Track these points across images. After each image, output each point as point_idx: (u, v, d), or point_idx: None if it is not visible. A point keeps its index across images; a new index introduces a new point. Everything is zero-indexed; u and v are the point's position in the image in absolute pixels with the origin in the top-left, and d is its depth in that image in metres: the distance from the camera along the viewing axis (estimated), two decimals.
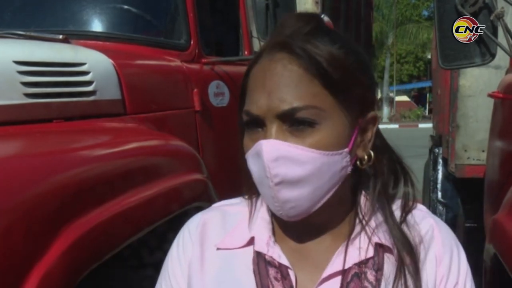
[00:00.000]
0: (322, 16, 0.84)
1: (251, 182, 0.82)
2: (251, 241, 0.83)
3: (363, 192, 0.84)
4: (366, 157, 0.81)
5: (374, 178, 0.83)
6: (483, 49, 1.68)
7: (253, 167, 0.78)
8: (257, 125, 0.77)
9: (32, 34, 1.78)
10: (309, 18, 0.80)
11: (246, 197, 0.89)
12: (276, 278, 0.79)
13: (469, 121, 3.84)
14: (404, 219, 0.83)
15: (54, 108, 1.52)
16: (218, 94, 2.34)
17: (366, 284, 0.77)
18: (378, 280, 0.77)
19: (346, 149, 0.77)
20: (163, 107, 1.98)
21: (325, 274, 0.78)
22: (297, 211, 0.77)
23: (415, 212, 0.85)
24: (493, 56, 1.68)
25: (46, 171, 1.17)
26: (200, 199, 1.76)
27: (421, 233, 0.82)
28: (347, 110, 0.77)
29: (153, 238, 1.72)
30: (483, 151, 3.61)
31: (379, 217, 0.82)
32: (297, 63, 0.74)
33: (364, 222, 0.81)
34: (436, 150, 5.34)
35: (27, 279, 0.98)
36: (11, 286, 0.96)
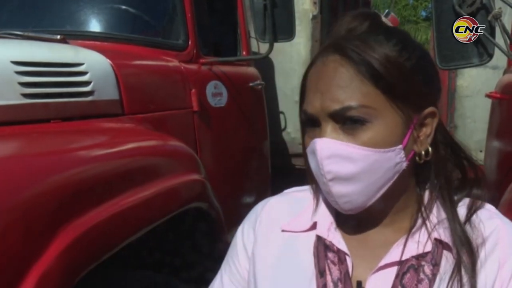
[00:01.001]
0: (386, 12, 0.85)
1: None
2: (314, 226, 0.87)
3: (428, 187, 0.85)
4: (423, 152, 0.82)
5: (436, 173, 0.84)
6: (481, 50, 1.68)
7: (311, 163, 0.82)
8: (314, 123, 0.81)
9: (30, 34, 1.78)
10: (364, 17, 0.83)
11: (314, 185, 0.91)
12: (333, 262, 0.82)
13: (467, 121, 3.85)
14: (469, 218, 0.82)
15: (52, 108, 1.52)
16: (216, 95, 2.34)
17: (422, 276, 0.78)
18: (434, 275, 0.78)
19: (400, 146, 0.79)
20: (161, 107, 1.98)
21: (383, 262, 0.80)
22: (351, 206, 0.80)
23: (482, 212, 0.84)
24: (490, 56, 1.68)
25: (44, 171, 1.17)
26: (198, 199, 1.76)
27: (484, 233, 0.81)
28: (400, 108, 0.78)
29: (152, 238, 1.73)
30: (480, 151, 3.61)
31: (442, 213, 0.82)
32: (349, 64, 0.77)
33: (425, 217, 0.82)
34: None
35: (25, 279, 0.98)
36: (9, 286, 0.96)
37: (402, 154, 0.79)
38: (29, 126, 1.42)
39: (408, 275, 0.78)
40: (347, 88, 0.76)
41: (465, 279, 0.77)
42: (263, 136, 2.97)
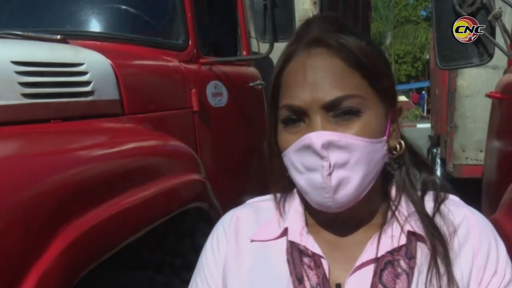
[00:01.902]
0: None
1: (283, 179, 0.86)
2: (284, 232, 0.86)
3: (394, 184, 0.87)
4: (398, 146, 0.85)
5: (400, 168, 0.87)
6: (481, 50, 1.68)
7: (299, 160, 0.79)
8: (298, 119, 0.79)
9: (30, 34, 1.78)
10: (334, 19, 0.84)
11: (278, 194, 0.91)
12: (309, 267, 0.80)
13: (467, 121, 3.85)
14: (437, 209, 0.84)
15: (52, 108, 1.52)
16: (216, 94, 2.34)
17: (400, 271, 0.78)
18: (411, 268, 0.78)
19: (385, 137, 0.81)
20: (161, 107, 1.98)
21: (359, 262, 0.79)
22: (346, 200, 0.78)
23: (449, 202, 0.86)
24: (491, 56, 1.68)
25: (44, 171, 1.17)
26: (198, 200, 1.76)
27: (454, 222, 0.83)
28: (382, 100, 0.81)
29: (152, 238, 1.73)
30: (481, 151, 3.62)
31: (411, 207, 0.84)
32: (337, 56, 0.78)
33: (396, 211, 0.83)
34: (434, 150, 5.36)
35: (25, 279, 0.98)
36: (9, 286, 0.96)
37: (386, 146, 0.82)
38: (29, 126, 1.42)
39: (385, 271, 0.78)
40: (340, 79, 0.77)
41: (442, 269, 0.77)
42: (263, 136, 2.97)
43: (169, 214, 1.55)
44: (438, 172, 4.92)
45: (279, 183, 0.89)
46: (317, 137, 0.76)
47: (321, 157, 0.75)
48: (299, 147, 0.78)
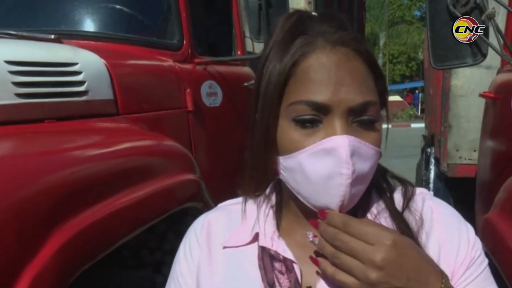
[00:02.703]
0: None
1: (259, 182, 0.85)
2: (255, 237, 0.84)
3: None
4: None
5: None
6: (475, 49, 1.69)
7: (312, 164, 0.74)
8: (316, 119, 0.74)
9: (24, 34, 1.78)
10: (332, 16, 0.81)
11: (249, 197, 0.90)
12: (281, 272, 0.79)
13: (461, 121, 3.87)
14: (406, 205, 0.83)
15: (46, 108, 1.52)
16: (211, 94, 2.34)
17: None
18: None
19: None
20: (155, 107, 1.98)
21: None
22: (351, 205, 0.76)
23: (417, 197, 0.85)
24: (484, 56, 1.69)
25: (38, 171, 1.17)
26: (192, 199, 1.76)
27: (422, 216, 0.82)
28: (381, 104, 0.79)
29: (152, 238, 1.72)
30: (474, 150, 3.63)
31: (381, 204, 0.83)
32: (360, 59, 0.75)
33: (365, 208, 0.82)
34: (429, 150, 5.37)
35: (19, 279, 0.98)
36: (2, 286, 0.96)
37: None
38: (23, 126, 1.42)
39: None
40: (365, 82, 0.74)
41: None
42: None
43: (164, 214, 1.55)
44: (432, 172, 4.93)
45: (255, 185, 0.87)
46: (344, 142, 0.71)
47: (348, 164, 0.71)
48: (318, 150, 0.73)
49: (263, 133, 0.79)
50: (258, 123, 0.80)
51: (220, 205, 0.95)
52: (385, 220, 0.81)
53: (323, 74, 0.73)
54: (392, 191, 0.86)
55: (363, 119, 0.74)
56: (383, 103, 0.80)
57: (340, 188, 0.72)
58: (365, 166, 0.74)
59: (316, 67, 0.74)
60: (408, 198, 0.84)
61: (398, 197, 0.85)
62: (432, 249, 0.79)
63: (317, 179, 0.74)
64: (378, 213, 0.82)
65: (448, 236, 0.80)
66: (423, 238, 0.80)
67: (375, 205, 0.83)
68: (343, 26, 0.78)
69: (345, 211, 0.76)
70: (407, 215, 0.82)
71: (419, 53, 29.35)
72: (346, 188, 0.72)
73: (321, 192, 0.75)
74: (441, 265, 0.77)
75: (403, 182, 0.87)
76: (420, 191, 0.87)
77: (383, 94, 0.79)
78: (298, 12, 0.83)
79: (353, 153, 0.72)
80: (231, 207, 0.92)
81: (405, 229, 0.79)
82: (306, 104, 0.73)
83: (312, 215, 0.78)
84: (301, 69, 0.75)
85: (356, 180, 0.73)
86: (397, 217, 0.81)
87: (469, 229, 0.83)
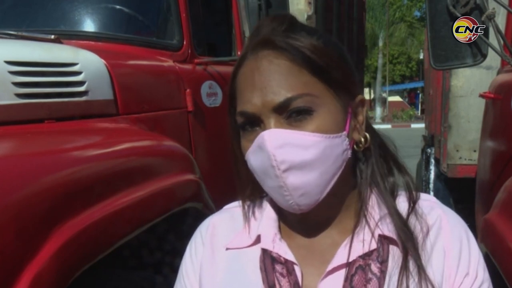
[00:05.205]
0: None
1: (252, 185, 0.85)
2: (258, 240, 0.85)
3: (367, 185, 0.85)
4: (362, 139, 0.83)
5: (366, 162, 0.85)
6: (475, 50, 1.68)
7: (256, 162, 0.78)
8: (254, 124, 0.78)
9: (24, 34, 1.78)
10: (283, 17, 0.82)
11: (248, 201, 0.91)
12: (282, 274, 0.80)
13: (461, 121, 3.86)
14: (411, 210, 0.83)
15: (46, 108, 1.52)
16: (211, 95, 2.34)
17: (370, 276, 0.77)
18: (382, 272, 0.78)
19: (345, 132, 0.79)
20: (155, 108, 1.98)
21: (330, 267, 0.79)
22: (307, 199, 0.77)
23: (423, 203, 0.85)
24: (484, 56, 1.69)
25: (37, 171, 1.17)
26: (192, 200, 1.76)
27: (428, 224, 0.82)
28: (337, 95, 0.79)
29: (152, 239, 1.72)
30: (474, 151, 3.63)
31: (384, 209, 0.83)
32: (283, 56, 0.76)
33: (367, 214, 0.82)
34: (428, 150, 5.37)
35: (19, 280, 0.98)
36: (2, 286, 0.96)
37: (347, 141, 0.80)
38: (23, 126, 1.42)
39: (356, 276, 0.77)
40: (287, 79, 0.75)
41: (414, 272, 0.77)
42: None
43: (164, 214, 1.55)
44: (432, 172, 4.93)
45: (247, 189, 0.89)
46: (268, 135, 0.75)
47: (274, 156, 0.74)
48: (255, 148, 0.77)
49: (231, 140, 0.85)
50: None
51: (225, 207, 0.97)
52: (387, 226, 0.81)
53: (248, 82, 0.78)
54: (397, 194, 0.86)
55: (291, 114, 0.75)
56: (343, 89, 0.79)
57: (278, 179, 0.75)
58: (304, 154, 0.75)
59: (244, 76, 0.79)
60: (414, 204, 0.84)
61: (403, 202, 0.85)
62: (437, 258, 0.80)
63: (261, 174, 0.79)
64: (380, 218, 0.82)
65: (453, 245, 0.81)
66: (427, 246, 0.80)
67: (378, 211, 0.83)
68: (292, 25, 0.80)
69: (312, 205, 0.78)
70: (412, 221, 0.82)
71: (419, 54, 29.38)
72: (282, 180, 0.75)
73: (272, 188, 0.78)
74: (444, 273, 0.78)
75: (410, 186, 0.86)
76: (428, 198, 0.87)
77: (335, 81, 0.78)
78: (260, 21, 0.85)
79: (284, 144, 0.74)
80: (236, 209, 0.93)
81: (408, 236, 0.79)
82: (240, 115, 0.79)
83: (293, 215, 0.80)
84: (237, 80, 0.81)
85: (294, 169, 0.75)
86: (401, 223, 0.81)
87: (472, 243, 0.83)
